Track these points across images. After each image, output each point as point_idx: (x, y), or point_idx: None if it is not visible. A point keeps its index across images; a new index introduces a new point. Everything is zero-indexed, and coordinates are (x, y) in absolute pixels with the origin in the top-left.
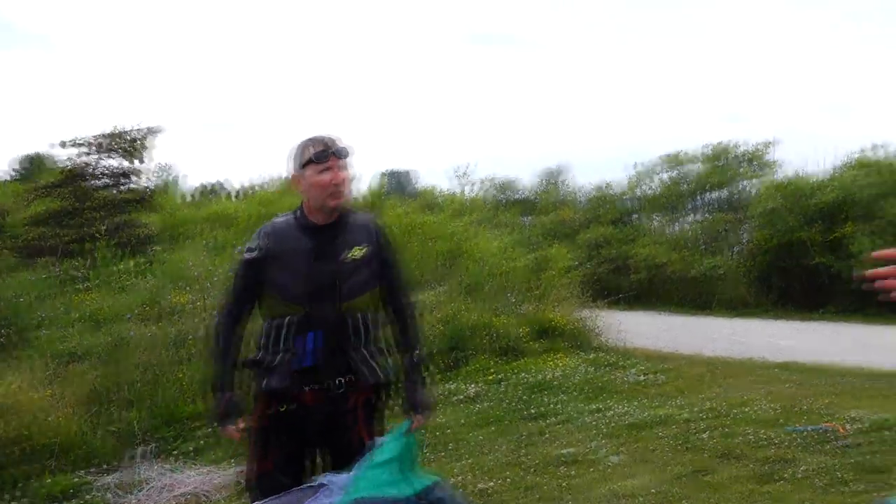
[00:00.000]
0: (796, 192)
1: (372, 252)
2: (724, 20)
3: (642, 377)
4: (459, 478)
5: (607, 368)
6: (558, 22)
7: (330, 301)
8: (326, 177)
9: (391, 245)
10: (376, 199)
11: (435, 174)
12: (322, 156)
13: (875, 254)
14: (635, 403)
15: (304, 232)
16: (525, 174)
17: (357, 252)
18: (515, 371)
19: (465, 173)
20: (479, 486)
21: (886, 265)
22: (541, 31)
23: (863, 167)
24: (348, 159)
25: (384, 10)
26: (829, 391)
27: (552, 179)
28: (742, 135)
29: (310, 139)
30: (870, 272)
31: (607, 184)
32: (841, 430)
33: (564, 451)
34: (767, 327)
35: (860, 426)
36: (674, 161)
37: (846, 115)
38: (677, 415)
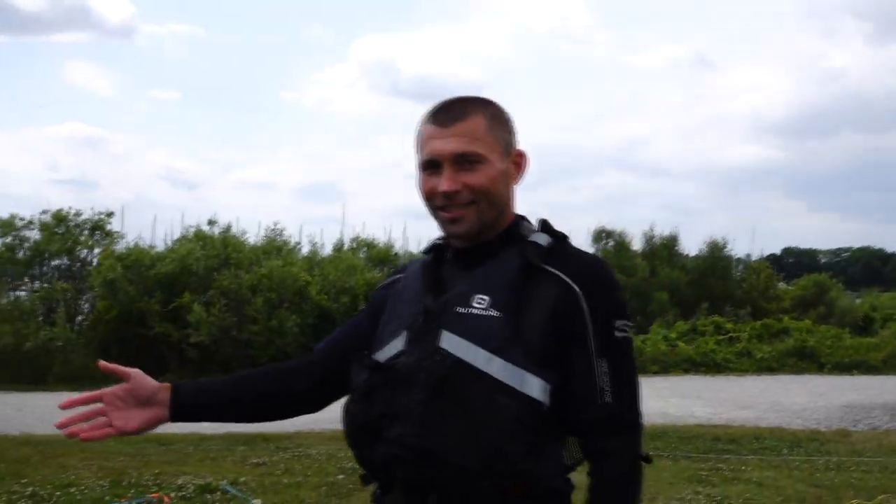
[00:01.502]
0: (137, 263)
1: None
2: None
3: None
4: None
5: None
6: None
7: None
8: None
9: None
10: None
11: None
12: None
13: (61, 404)
14: None
15: None
16: None
17: None
18: None
19: None
20: None
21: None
22: None
23: (199, 240)
24: None
25: None
26: (159, 460)
27: None
28: (84, 202)
29: None
30: (58, 422)
31: None
32: (166, 500)
33: None
34: None
35: (185, 493)
36: (8, 226)
37: (191, 187)
38: None
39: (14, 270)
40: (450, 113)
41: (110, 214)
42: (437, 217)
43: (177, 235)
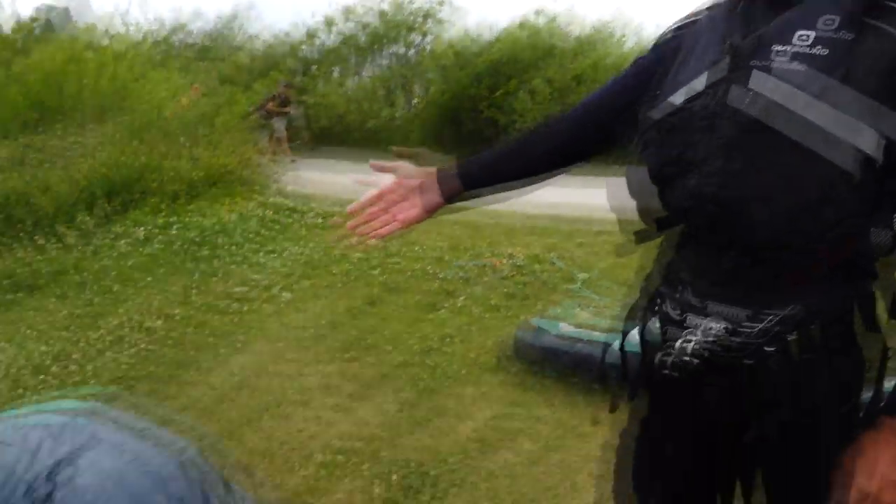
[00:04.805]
0: (466, 50)
1: None
2: None
3: (320, 220)
4: (125, 318)
5: (285, 212)
6: None
7: None
8: None
9: None
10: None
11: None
12: None
13: (349, 208)
14: (311, 244)
15: None
16: (199, 18)
17: None
18: (188, 214)
19: (127, 11)
20: (147, 324)
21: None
22: None
23: (524, 30)
24: None
25: None
26: (491, 232)
27: (228, 24)
28: None
29: None
30: (350, 225)
31: (285, 32)
32: (497, 264)
33: (237, 290)
34: None
35: (515, 261)
36: (351, 13)
37: None
38: (350, 253)
39: (357, 54)
40: None
41: (441, 3)
42: None
43: (503, 25)
